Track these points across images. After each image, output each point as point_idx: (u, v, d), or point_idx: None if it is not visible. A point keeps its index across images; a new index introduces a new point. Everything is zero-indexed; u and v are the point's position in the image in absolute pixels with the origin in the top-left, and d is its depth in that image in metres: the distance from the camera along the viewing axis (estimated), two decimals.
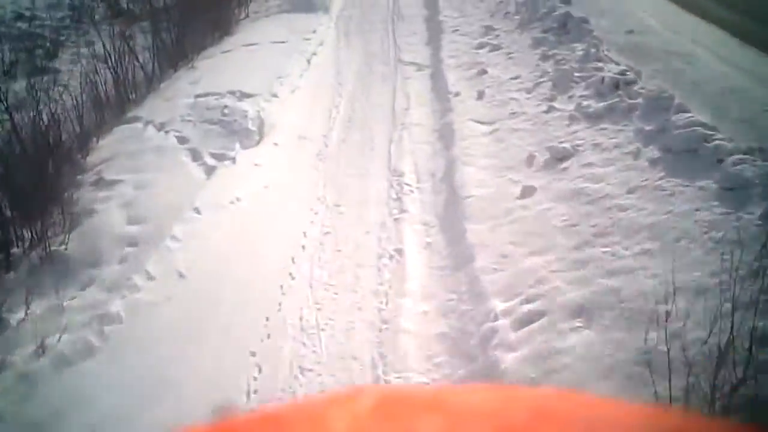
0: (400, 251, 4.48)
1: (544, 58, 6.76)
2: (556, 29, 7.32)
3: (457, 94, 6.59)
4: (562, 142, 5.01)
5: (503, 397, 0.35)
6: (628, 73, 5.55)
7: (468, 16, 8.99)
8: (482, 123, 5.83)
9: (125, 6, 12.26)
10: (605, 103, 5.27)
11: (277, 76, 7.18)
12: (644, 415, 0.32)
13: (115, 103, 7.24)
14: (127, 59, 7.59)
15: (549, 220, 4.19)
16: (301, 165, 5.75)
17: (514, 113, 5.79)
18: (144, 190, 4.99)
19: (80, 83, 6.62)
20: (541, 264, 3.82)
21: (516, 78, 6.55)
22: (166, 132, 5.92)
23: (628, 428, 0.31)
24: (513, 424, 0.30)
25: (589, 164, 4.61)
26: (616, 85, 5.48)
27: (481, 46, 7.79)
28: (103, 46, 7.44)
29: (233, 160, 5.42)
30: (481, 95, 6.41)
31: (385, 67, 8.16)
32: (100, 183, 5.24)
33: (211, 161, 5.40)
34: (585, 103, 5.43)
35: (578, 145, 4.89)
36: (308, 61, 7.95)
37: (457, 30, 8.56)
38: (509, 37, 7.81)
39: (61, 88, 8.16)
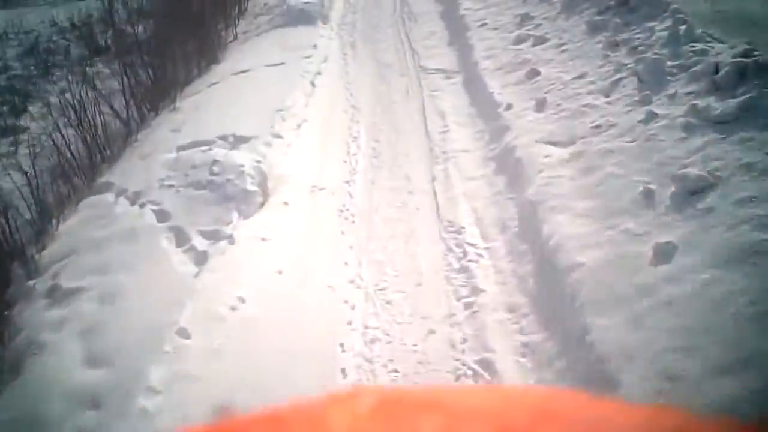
0: (487, 364, 2.95)
1: (611, 46, 5.17)
2: (617, 7, 5.73)
3: (508, 106, 5.03)
4: (688, 166, 3.44)
5: (503, 397, 0.34)
6: (755, 53, 3.95)
7: (494, 6, 7.42)
8: (556, 145, 4.27)
9: (103, 43, 10.86)
10: (735, 101, 3.69)
11: (277, 109, 5.67)
12: (644, 415, 0.31)
13: (84, 166, 5.78)
14: (93, 109, 6.11)
15: (724, 302, 2.62)
16: (322, 230, 4.23)
17: (597, 127, 4.22)
18: (111, 304, 3.49)
19: (29, 151, 5.16)
20: (743, 393, 2.27)
21: (582, 77, 4.97)
22: (142, 206, 4.43)
23: (628, 428, 0.30)
24: (513, 425, 0.29)
25: (749, 199, 3.04)
26: (741, 73, 3.89)
27: (520, 39, 6.22)
28: (58, 98, 5.98)
29: (230, 238, 3.91)
30: (541, 105, 4.85)
31: (405, 79, 6.62)
32: (55, 294, 3.75)
33: (201, 244, 3.90)
34: (701, 103, 3.85)
35: (717, 169, 3.31)
36: (312, 84, 6.43)
37: (484, 24, 7.00)
38: (554, 24, 6.23)
39: (28, 150, 6.75)
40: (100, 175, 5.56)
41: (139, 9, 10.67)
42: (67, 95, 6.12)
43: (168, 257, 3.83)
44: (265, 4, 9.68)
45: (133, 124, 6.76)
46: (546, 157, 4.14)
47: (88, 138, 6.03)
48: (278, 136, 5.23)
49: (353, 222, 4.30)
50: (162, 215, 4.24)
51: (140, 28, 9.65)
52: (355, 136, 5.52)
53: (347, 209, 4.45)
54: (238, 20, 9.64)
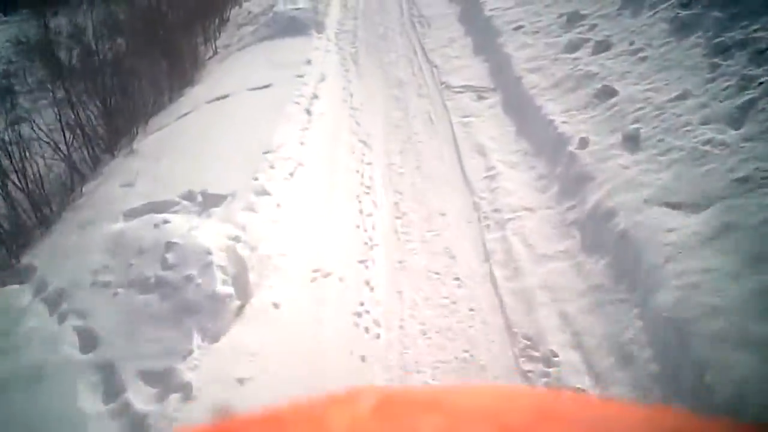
0: None
1: (718, 52, 3.67)
2: None
3: (583, 143, 3.52)
4: None
5: (503, 397, 0.33)
6: None
7: (528, 4, 5.91)
8: (680, 208, 2.75)
9: (67, 63, 9.35)
10: None
11: (263, 151, 4.18)
12: (644, 415, 0.30)
13: (7, 233, 4.26)
14: (22, 154, 4.59)
15: None
16: (331, 354, 2.71)
17: (744, 180, 2.70)
18: None
19: None
20: None
21: (684, 97, 3.46)
22: (62, 317, 2.92)
23: (628, 428, 0.29)
24: (513, 424, 0.29)
25: None
26: None
27: (574, 45, 4.72)
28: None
29: (186, 388, 2.39)
30: (633, 141, 3.34)
31: (425, 100, 5.12)
32: None
33: (140, 398, 2.38)
34: None
35: None
36: (308, 112, 4.93)
37: (520, 26, 5.49)
38: (616, 24, 4.73)
39: None
40: (30, 246, 4.07)
41: (113, 24, 9.23)
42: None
43: (85, 428, 2.32)
44: (249, 13, 8.18)
45: (86, 169, 5.28)
46: (670, 231, 2.63)
47: (20, 192, 4.53)
48: (264, 193, 3.73)
49: (377, 337, 2.79)
50: (87, 339, 2.73)
51: (108, 46, 8.19)
52: (368, 185, 4.02)
53: (366, 311, 2.93)
54: (219, 32, 8.15)
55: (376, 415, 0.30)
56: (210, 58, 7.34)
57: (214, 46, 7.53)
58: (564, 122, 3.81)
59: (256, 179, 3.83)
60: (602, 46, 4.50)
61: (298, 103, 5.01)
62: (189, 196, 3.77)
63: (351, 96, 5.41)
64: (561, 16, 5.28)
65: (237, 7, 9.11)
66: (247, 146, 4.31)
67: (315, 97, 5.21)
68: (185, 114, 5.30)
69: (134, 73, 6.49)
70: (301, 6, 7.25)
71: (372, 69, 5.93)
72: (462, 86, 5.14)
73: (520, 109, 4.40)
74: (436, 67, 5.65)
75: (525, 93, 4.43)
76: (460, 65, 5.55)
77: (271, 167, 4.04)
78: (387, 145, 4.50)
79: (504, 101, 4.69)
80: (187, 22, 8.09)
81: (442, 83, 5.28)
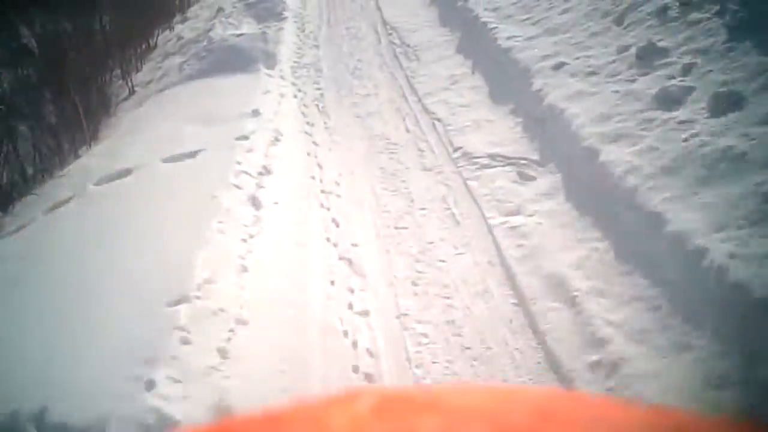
0: None
1: None
2: None
3: None
4: None
5: (503, 397, 0.32)
6: None
7: (561, 32, 4.06)
8: None
9: None
10: None
11: (174, 297, 2.20)
12: (644, 415, 0.29)
13: None
14: None
15: None
16: None
17: None
18: None
19: None
20: None
21: None
22: None
23: (628, 428, 0.28)
24: (513, 424, 0.28)
25: None
26: None
27: (669, 99, 2.87)
28: None
29: None
30: None
31: (433, 178, 3.22)
32: None
33: None
34: None
35: None
36: (255, 202, 2.96)
37: (560, 64, 3.63)
38: (733, 64, 2.90)
39: None
40: None
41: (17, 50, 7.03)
42: None
43: None
44: (180, 39, 6.11)
45: None
46: None
47: None
48: (165, 420, 1.75)
49: None
50: None
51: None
52: (367, 372, 2.06)
53: None
54: (141, 64, 6.06)
55: (376, 415, 0.28)
56: (124, 99, 5.27)
57: (131, 83, 5.45)
58: (731, 256, 1.96)
59: (151, 384, 1.85)
60: (726, 102, 2.69)
61: (238, 186, 3.04)
62: (10, 430, 1.77)
63: (320, 169, 3.46)
64: (624, 49, 3.46)
65: (168, 31, 7.02)
66: (145, 287, 2.31)
67: (265, 172, 3.25)
68: (61, 203, 3.23)
69: (10, 127, 4.41)
70: (245, 31, 5.27)
71: (346, 122, 4.00)
72: (488, 155, 3.26)
73: (605, 207, 2.54)
74: (439, 120, 3.77)
75: (612, 180, 2.57)
76: (474, 119, 3.68)
77: (185, 341, 2.06)
78: (388, 271, 2.57)
79: (567, 187, 2.83)
80: (104, 50, 6.00)
81: (456, 149, 3.39)
